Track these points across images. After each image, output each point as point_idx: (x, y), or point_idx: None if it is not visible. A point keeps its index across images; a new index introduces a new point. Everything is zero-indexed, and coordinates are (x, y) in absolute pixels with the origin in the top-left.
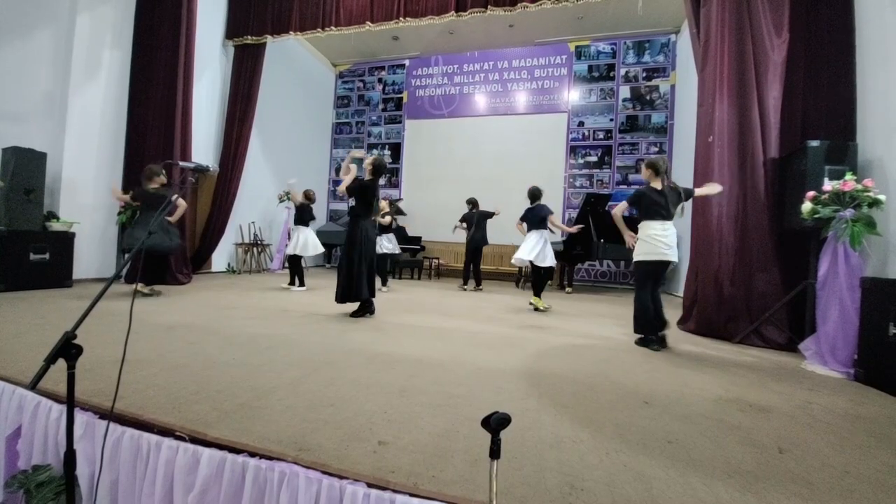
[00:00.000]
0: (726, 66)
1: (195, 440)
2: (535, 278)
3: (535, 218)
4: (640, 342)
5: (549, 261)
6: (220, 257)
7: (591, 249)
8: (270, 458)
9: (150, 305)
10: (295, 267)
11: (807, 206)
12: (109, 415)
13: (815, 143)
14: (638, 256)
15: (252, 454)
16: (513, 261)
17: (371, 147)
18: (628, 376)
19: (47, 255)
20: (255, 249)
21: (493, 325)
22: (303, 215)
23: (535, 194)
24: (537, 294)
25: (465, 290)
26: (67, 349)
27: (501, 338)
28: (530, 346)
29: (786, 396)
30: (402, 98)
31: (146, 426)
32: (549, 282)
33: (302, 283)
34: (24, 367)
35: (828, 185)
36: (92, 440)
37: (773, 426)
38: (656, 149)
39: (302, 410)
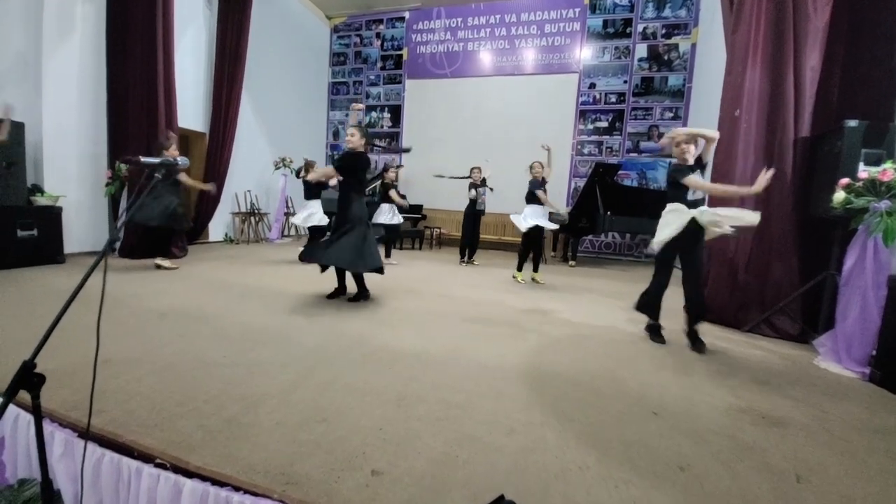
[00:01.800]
0: (762, 28)
1: (177, 469)
2: (534, 252)
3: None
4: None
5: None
6: (218, 227)
7: (597, 222)
8: (255, 494)
9: (144, 287)
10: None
11: (840, 196)
12: (86, 435)
13: (853, 123)
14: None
15: (236, 488)
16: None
17: (370, 109)
18: (635, 376)
19: (35, 231)
20: (252, 219)
21: (494, 309)
22: (318, 187)
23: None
24: (535, 268)
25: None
26: (28, 379)
27: (502, 325)
28: (532, 336)
29: (800, 403)
30: (401, 55)
31: (126, 449)
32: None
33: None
34: (6, 372)
35: (863, 171)
36: (73, 458)
37: (789, 445)
38: (671, 114)
39: (293, 428)
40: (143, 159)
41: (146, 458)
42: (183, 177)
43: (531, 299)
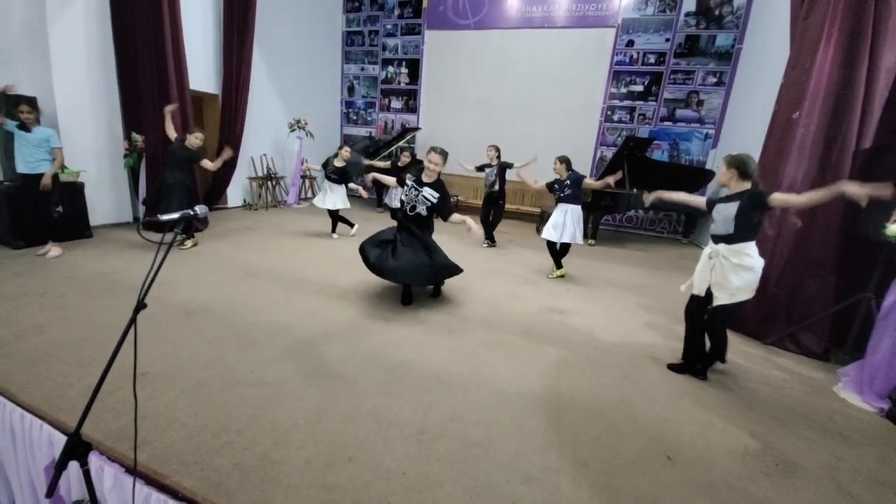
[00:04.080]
0: (839, 17)
1: None
2: (556, 251)
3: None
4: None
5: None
6: (236, 192)
7: (621, 200)
8: None
9: (170, 273)
10: (336, 218)
11: (894, 230)
12: (133, 471)
13: None
14: (751, 292)
15: None
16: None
17: (386, 63)
18: (651, 406)
19: (61, 208)
20: (269, 183)
21: (512, 308)
22: (345, 175)
23: (569, 161)
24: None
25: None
26: (76, 451)
27: (520, 334)
28: (550, 349)
29: (814, 446)
30: (421, 1)
31: (170, 490)
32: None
33: (351, 225)
34: (48, 389)
35: None
36: (122, 490)
37: (798, 503)
38: (714, 79)
39: (321, 468)
40: (162, 217)
41: (190, 501)
42: (206, 163)
43: (548, 295)
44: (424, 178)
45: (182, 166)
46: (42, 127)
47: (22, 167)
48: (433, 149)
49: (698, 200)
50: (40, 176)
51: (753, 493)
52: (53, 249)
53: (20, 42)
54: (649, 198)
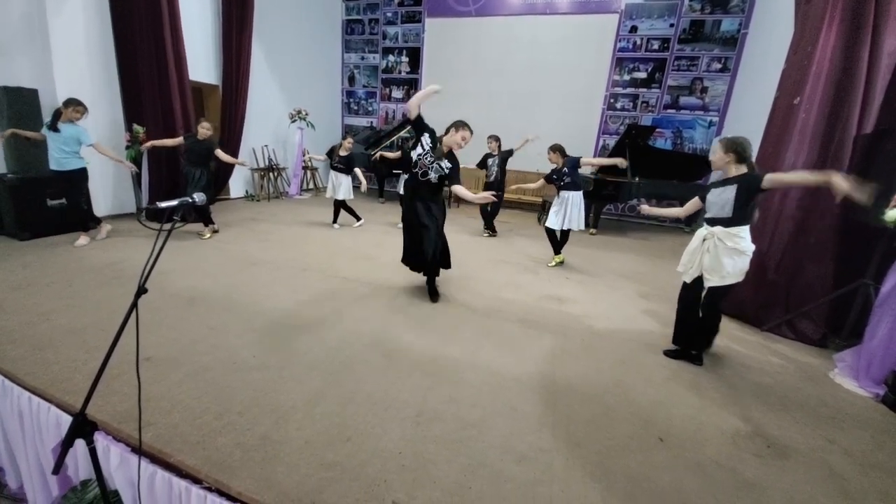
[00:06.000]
0: (840, 1)
1: (221, 492)
2: (556, 239)
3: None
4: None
5: (574, 224)
6: (238, 182)
7: (623, 190)
8: None
9: (172, 261)
10: (340, 208)
11: (893, 214)
12: (139, 451)
13: None
14: (741, 276)
15: None
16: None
17: (386, 52)
18: (646, 390)
19: (64, 200)
20: (271, 174)
21: (511, 296)
22: (350, 163)
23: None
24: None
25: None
26: (82, 429)
27: (518, 321)
28: (547, 335)
29: (807, 430)
30: None
31: (174, 468)
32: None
33: (358, 217)
34: (55, 373)
35: None
36: (128, 467)
37: (787, 482)
38: (719, 65)
39: (320, 448)
40: (160, 204)
41: (194, 478)
42: (220, 154)
43: (547, 283)
44: (444, 149)
45: (202, 161)
46: (71, 125)
47: (53, 164)
48: (466, 125)
49: (696, 205)
50: (71, 172)
51: (742, 473)
52: (104, 228)
53: (20, 34)
54: (648, 211)
